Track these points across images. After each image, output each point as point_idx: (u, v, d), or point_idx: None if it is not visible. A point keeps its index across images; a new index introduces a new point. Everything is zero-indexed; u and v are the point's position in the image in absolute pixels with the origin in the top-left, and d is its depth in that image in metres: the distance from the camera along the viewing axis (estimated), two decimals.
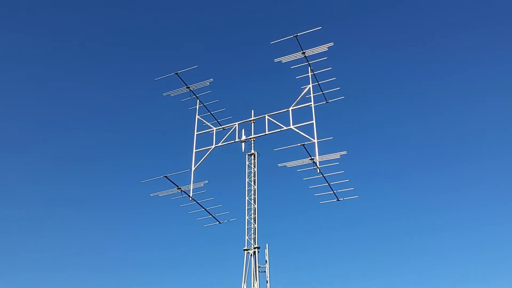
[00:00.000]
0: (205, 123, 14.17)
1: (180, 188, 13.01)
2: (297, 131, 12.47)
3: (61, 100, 38.99)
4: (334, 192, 12.01)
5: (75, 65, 39.49)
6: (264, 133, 13.04)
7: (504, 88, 34.45)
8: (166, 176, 12.79)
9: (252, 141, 13.12)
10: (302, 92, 12.90)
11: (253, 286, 11.45)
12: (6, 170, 35.48)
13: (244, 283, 11.54)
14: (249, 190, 12.53)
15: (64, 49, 39.40)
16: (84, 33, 39.91)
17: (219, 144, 13.52)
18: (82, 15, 39.63)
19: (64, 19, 39.47)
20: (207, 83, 14.00)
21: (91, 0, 39.96)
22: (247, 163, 12.91)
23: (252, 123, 13.34)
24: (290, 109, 12.89)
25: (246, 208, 12.33)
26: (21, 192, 35.46)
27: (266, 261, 11.73)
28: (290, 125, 12.67)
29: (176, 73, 13.96)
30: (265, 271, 11.63)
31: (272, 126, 12.98)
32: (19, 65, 38.41)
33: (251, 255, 11.78)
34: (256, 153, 12.95)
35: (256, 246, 11.83)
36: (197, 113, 14.30)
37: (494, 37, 35.45)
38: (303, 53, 12.71)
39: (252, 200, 12.37)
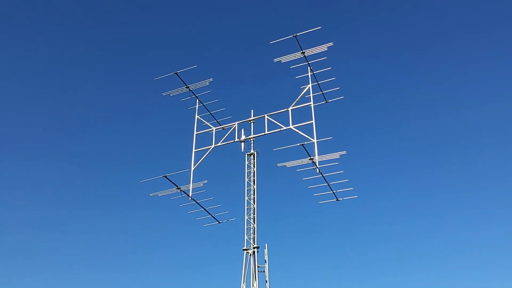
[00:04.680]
0: (204, 123, 14.17)
1: (180, 188, 13.01)
2: (297, 131, 12.47)
3: (60, 102, 39.05)
4: (333, 192, 12.01)
5: (74, 66, 39.50)
6: (263, 133, 13.04)
7: (504, 91, 34.54)
8: (165, 176, 12.80)
9: (252, 141, 13.12)
10: (302, 92, 12.90)
11: (252, 286, 11.44)
12: (9, 174, 35.58)
13: (243, 283, 11.54)
14: (249, 190, 12.53)
15: (63, 51, 39.42)
16: (83, 33, 39.94)
17: (219, 144, 13.52)
18: (82, 16, 39.66)
19: (62, 21, 39.49)
20: (206, 82, 14.00)
21: (90, 1, 39.97)
22: (246, 163, 12.91)
23: (252, 123, 13.34)
24: (289, 109, 12.89)
25: (246, 208, 12.33)
26: (22, 195, 35.52)
27: (265, 261, 11.72)
28: (289, 125, 12.66)
29: (176, 73, 13.95)
30: (264, 271, 11.63)
31: (271, 126, 12.99)
32: (17, 70, 38.49)
33: (250, 255, 11.78)
34: (255, 153, 12.95)
35: (255, 246, 11.83)
36: (196, 113, 14.30)
37: (494, 40, 35.54)
38: (303, 53, 12.70)
39: (252, 200, 12.36)
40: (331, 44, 12.45)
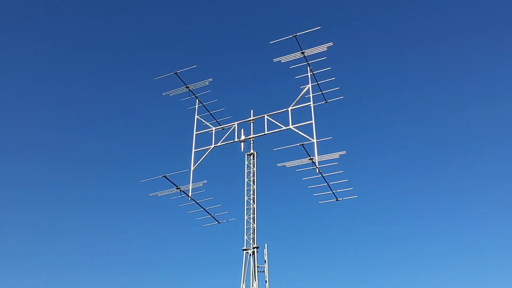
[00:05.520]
0: (204, 123, 14.16)
1: (179, 188, 13.00)
2: (296, 131, 12.47)
3: (60, 102, 39.03)
4: (333, 192, 12.00)
5: (74, 66, 39.49)
6: (263, 133, 13.03)
7: (504, 91, 34.55)
8: (165, 176, 12.79)
9: (251, 141, 13.11)
10: (302, 92, 12.89)
11: (252, 286, 11.44)
12: (9, 174, 35.58)
13: (243, 283, 11.53)
14: (248, 190, 12.52)
15: (62, 51, 39.41)
16: (83, 33, 39.94)
17: (218, 144, 13.51)
18: (82, 16, 39.66)
19: (61, 21, 39.48)
20: (206, 82, 13.99)
21: (90, 1, 39.97)
22: (246, 163, 12.91)
23: (251, 123, 13.33)
24: (289, 109, 12.88)
25: (245, 208, 12.33)
26: (22, 195, 35.50)
27: (265, 261, 11.72)
28: (289, 125, 12.65)
29: (176, 73, 13.94)
30: (264, 271, 11.62)
31: (271, 126, 12.98)
32: (17, 70, 38.47)
33: (250, 255, 11.77)
34: (255, 153, 12.94)
35: (255, 246, 11.82)
36: (196, 113, 14.29)
37: (494, 40, 35.55)
38: (303, 53, 12.69)
39: (251, 200, 12.36)
40: (331, 44, 12.46)
